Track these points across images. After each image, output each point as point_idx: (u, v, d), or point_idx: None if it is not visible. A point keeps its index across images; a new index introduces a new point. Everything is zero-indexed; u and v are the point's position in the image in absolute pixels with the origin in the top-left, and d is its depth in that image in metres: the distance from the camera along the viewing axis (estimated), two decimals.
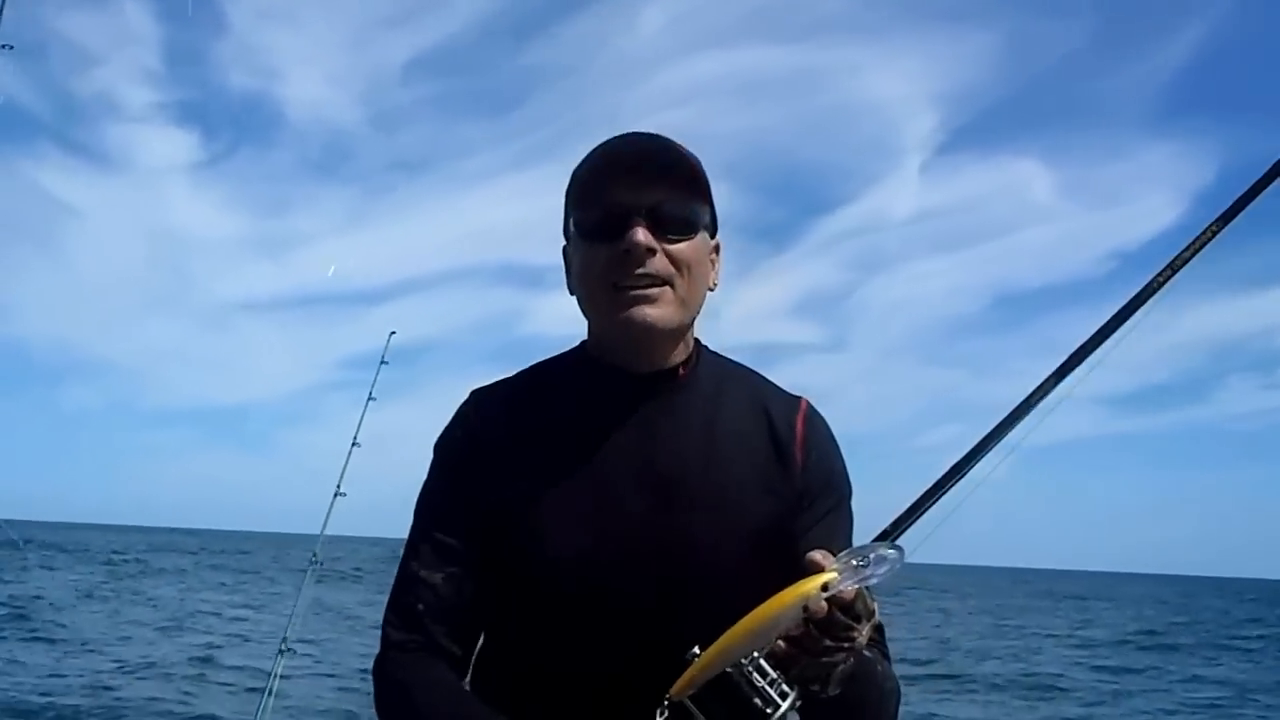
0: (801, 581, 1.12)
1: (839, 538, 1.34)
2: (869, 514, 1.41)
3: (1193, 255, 1.30)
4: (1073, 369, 1.31)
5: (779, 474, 1.37)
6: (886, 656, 1.35)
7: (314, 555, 5.66)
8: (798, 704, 1.17)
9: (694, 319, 1.39)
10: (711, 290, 1.40)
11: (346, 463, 5.34)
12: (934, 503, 1.28)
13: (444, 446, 1.42)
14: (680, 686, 1.16)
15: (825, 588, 1.11)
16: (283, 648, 5.41)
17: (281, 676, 5.39)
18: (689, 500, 1.32)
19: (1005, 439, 1.29)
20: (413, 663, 1.33)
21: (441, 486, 1.40)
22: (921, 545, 1.26)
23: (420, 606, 1.33)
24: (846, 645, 1.15)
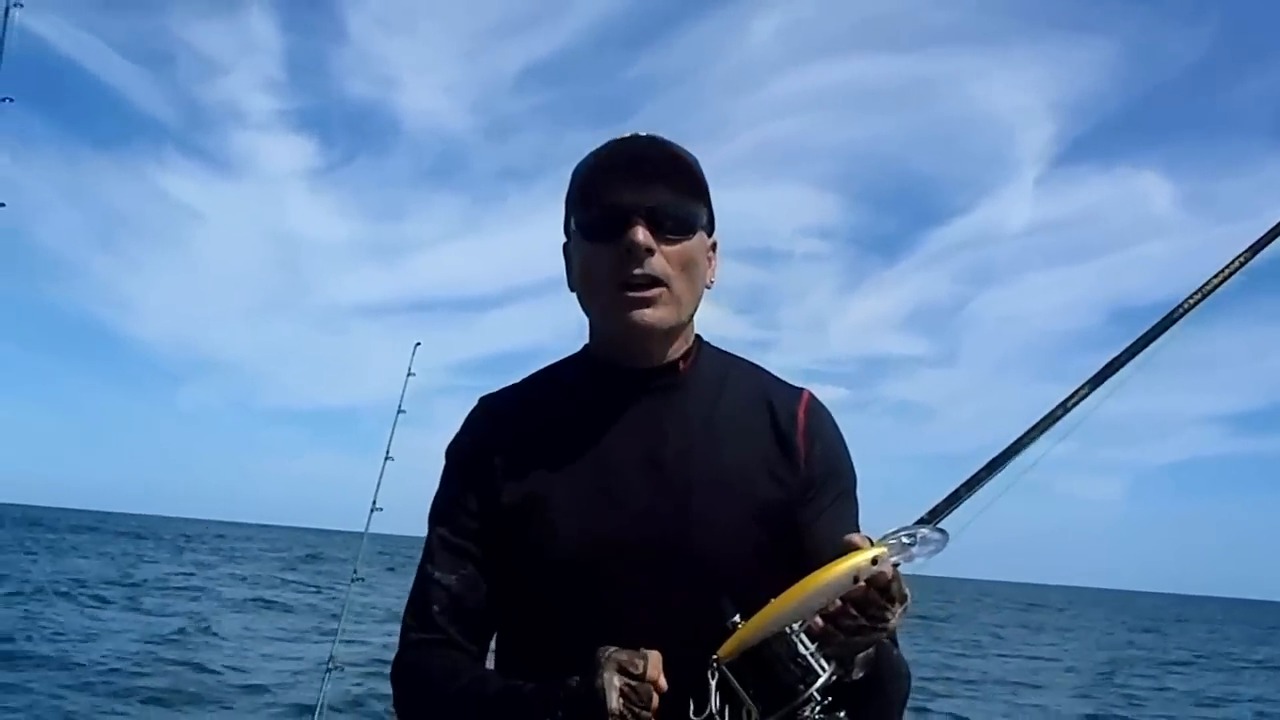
0: (851, 553, 1.15)
1: (846, 527, 1.33)
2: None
3: (1222, 282, 1.42)
4: (1104, 380, 1.43)
5: (783, 463, 1.40)
6: (895, 643, 1.38)
7: (354, 571, 5.63)
8: (833, 679, 1.18)
9: (692, 316, 1.43)
10: (708, 288, 1.44)
11: (381, 477, 5.30)
12: (973, 493, 1.38)
13: (454, 452, 1.47)
14: (727, 650, 1.18)
15: (875, 561, 1.14)
16: (330, 666, 5.33)
17: (331, 708, 5.35)
18: (692, 488, 1.36)
19: (1043, 436, 1.40)
20: (428, 656, 1.38)
21: (452, 491, 1.45)
22: (961, 532, 1.35)
23: (435, 607, 1.38)
24: (880, 626, 1.17)
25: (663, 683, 1.16)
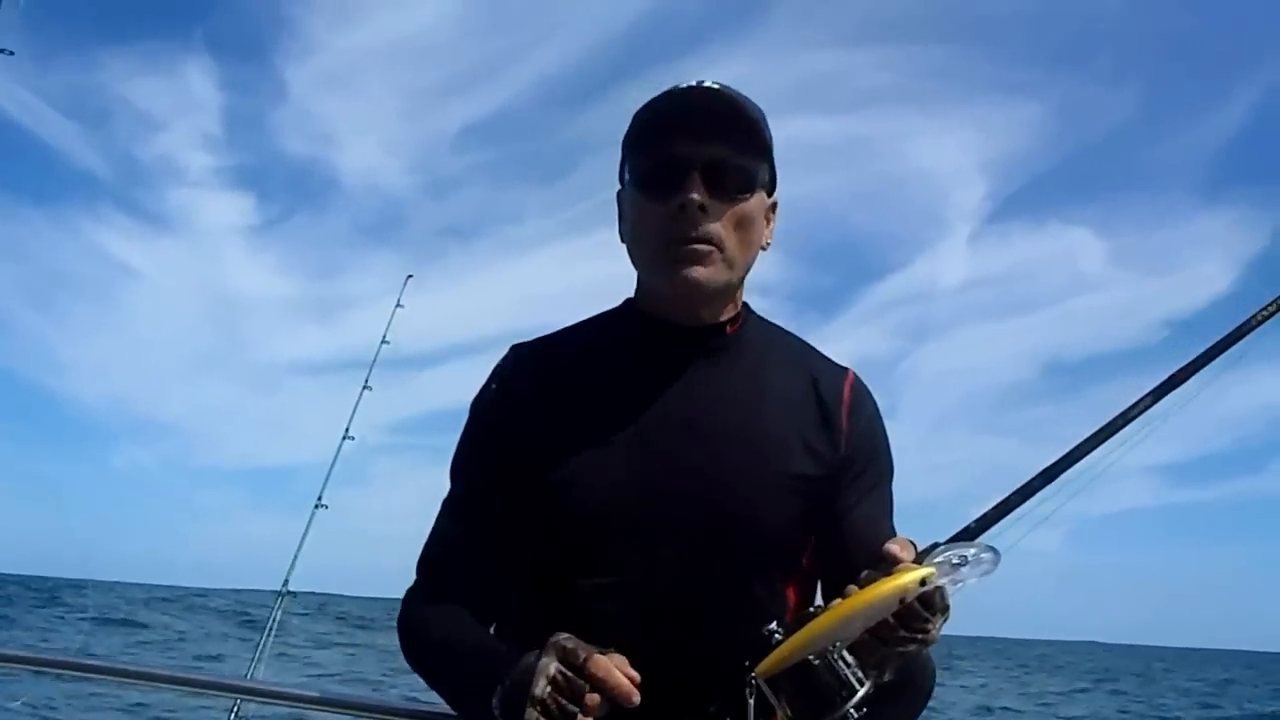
0: (899, 574, 1.09)
1: (885, 517, 1.34)
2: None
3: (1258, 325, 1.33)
4: (1168, 393, 1.31)
5: (823, 438, 1.34)
6: None
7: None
8: (871, 692, 1.12)
9: (744, 278, 1.36)
10: (764, 250, 1.37)
11: (355, 408, 4.79)
12: (1025, 503, 1.24)
13: (478, 402, 1.42)
14: (766, 666, 1.12)
15: (923, 582, 1.08)
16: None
17: None
18: (727, 452, 1.30)
19: (1096, 451, 1.27)
20: (428, 608, 1.36)
21: (473, 444, 1.41)
22: (1013, 548, 1.21)
23: (442, 561, 1.37)
24: (920, 637, 1.12)
25: (614, 680, 1.08)
